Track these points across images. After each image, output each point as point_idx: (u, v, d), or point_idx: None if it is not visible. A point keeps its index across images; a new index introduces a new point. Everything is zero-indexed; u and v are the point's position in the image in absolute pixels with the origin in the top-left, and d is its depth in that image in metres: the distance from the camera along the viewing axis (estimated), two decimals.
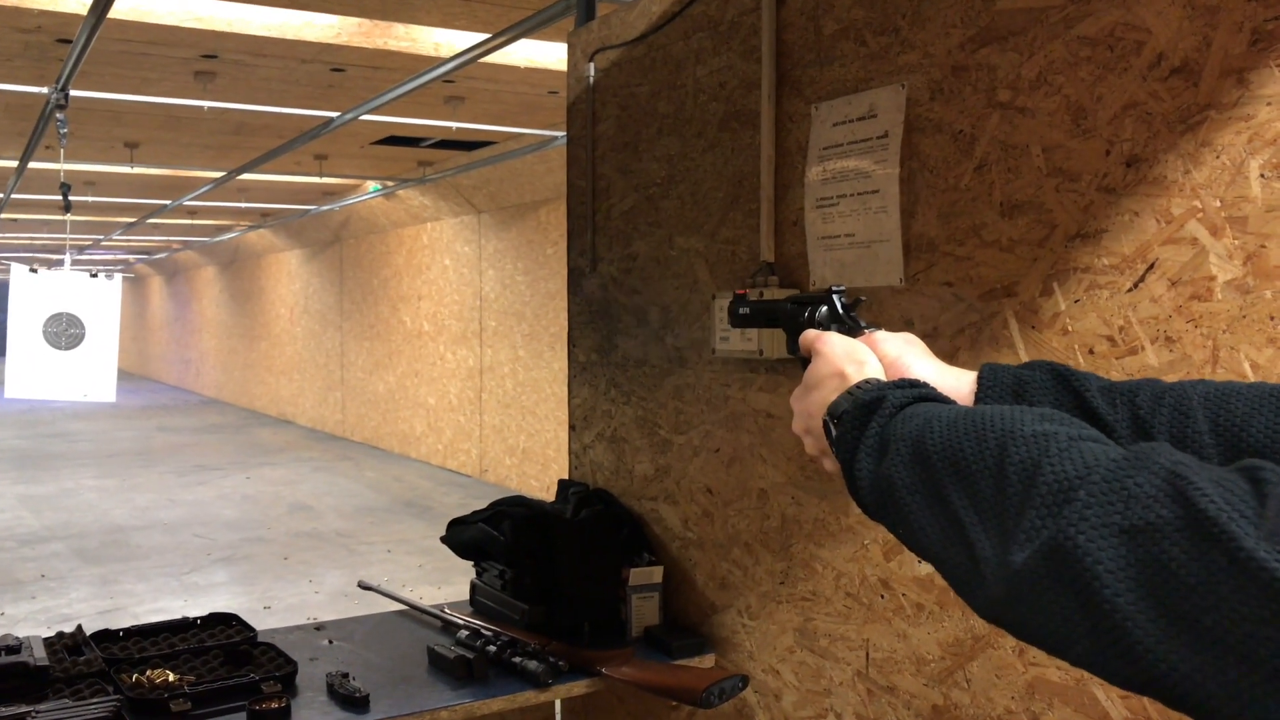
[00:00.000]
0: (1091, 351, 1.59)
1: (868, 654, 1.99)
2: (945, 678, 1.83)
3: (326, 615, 6.18)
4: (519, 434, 10.42)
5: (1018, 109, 1.68)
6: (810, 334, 1.07)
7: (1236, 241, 1.40)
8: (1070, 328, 1.62)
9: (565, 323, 9.36)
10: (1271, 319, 1.36)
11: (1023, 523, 0.68)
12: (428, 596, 6.47)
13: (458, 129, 7.99)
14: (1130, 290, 1.53)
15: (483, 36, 5.42)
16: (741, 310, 1.26)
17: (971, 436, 0.76)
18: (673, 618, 2.47)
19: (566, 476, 2.93)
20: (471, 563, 2.67)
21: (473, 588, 2.63)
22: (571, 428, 2.90)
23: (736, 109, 2.26)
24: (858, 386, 0.94)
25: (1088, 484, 0.65)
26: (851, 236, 1.96)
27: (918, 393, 0.88)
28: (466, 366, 11.50)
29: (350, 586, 6.83)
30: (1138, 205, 1.52)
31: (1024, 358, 1.69)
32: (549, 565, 2.45)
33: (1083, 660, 0.64)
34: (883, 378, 0.98)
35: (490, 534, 2.52)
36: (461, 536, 2.60)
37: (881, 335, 1.05)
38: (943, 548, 0.76)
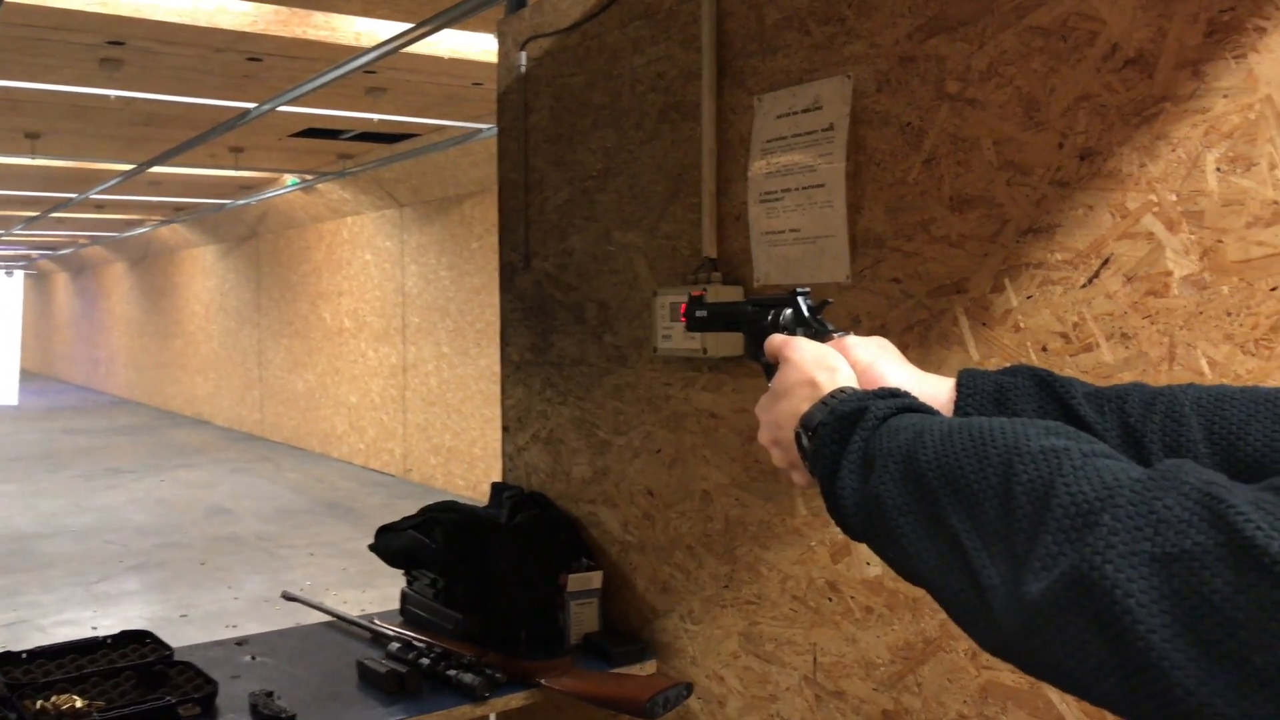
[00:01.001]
0: (1044, 349, 1.56)
1: (815, 658, 1.94)
2: (895, 682, 1.79)
3: (247, 622, 5.99)
4: (444, 433, 10.25)
5: (968, 101, 1.65)
6: (776, 339, 1.00)
7: (1193, 236, 1.38)
8: (1022, 325, 1.58)
9: (491, 319, 9.18)
10: (1229, 315, 1.34)
11: (1037, 549, 0.62)
12: (352, 601, 6.32)
13: (379, 121, 7.81)
14: (1084, 286, 1.50)
15: (406, 26, 5.28)
16: (699, 313, 1.19)
17: (970, 453, 0.70)
18: (612, 624, 2.41)
19: (500, 479, 2.84)
20: (401, 571, 2.56)
21: (403, 597, 2.53)
22: (505, 429, 2.81)
23: (676, 100, 2.20)
24: (832, 396, 0.88)
25: (1112, 507, 0.59)
26: (796, 232, 1.91)
27: (902, 403, 0.82)
28: (389, 364, 11.28)
29: (272, 592, 6.63)
30: (1092, 199, 1.49)
31: (974, 356, 1.65)
32: (483, 572, 2.36)
33: (1107, 700, 0.59)
34: (856, 385, 0.92)
35: (422, 541, 2.42)
36: (391, 544, 2.50)
37: (853, 340, 0.99)
38: (940, 574, 0.70)
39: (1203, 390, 0.87)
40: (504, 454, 2.82)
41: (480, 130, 8.09)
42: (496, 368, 9.65)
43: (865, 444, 0.79)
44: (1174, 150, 1.39)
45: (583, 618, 2.37)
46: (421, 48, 5.79)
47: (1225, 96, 1.34)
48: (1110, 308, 1.47)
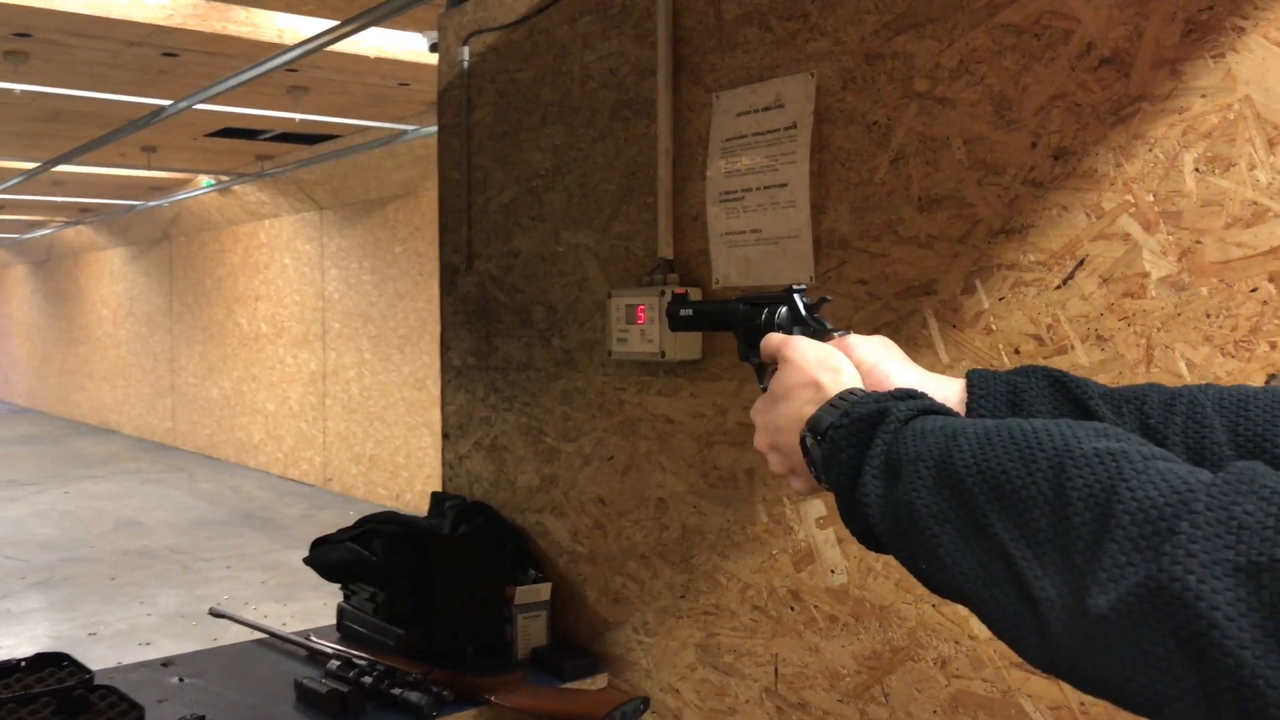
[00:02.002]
0: (1017, 351, 1.53)
1: (776, 669, 1.89)
2: (861, 692, 1.75)
3: (161, 639, 5.75)
4: (366, 441, 10.02)
5: (937, 99, 1.62)
6: (774, 338, 0.95)
7: (1171, 237, 1.36)
8: (994, 327, 1.56)
9: (415, 324, 9.02)
10: (1208, 316, 1.33)
11: (1102, 559, 0.57)
12: (274, 615, 6.11)
13: (301, 121, 7.60)
14: (1059, 288, 1.48)
15: (331, 23, 5.13)
16: (683, 312, 1.13)
17: (1015, 456, 0.65)
18: (561, 637, 2.33)
19: (438, 488, 2.74)
20: (337, 585, 2.45)
21: (340, 612, 2.42)
22: (445, 436, 2.72)
23: (630, 97, 2.14)
24: (841, 398, 0.83)
25: (1188, 514, 0.55)
26: (758, 232, 1.86)
27: (922, 404, 0.77)
28: (308, 370, 11.00)
29: (187, 608, 6.39)
30: (1066, 199, 1.47)
31: (944, 359, 1.63)
32: (426, 585, 2.27)
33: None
34: (861, 386, 0.87)
35: (360, 554, 2.31)
36: (328, 557, 2.39)
37: (855, 339, 0.94)
38: (983, 587, 0.65)
39: (1223, 390, 0.84)
40: (444, 462, 2.72)
41: (405, 132, 7.93)
42: (421, 374, 9.47)
43: (889, 448, 0.74)
44: (1151, 150, 1.38)
45: (531, 631, 2.29)
46: (347, 46, 5.64)
47: (1203, 96, 1.33)
48: (1086, 309, 1.45)
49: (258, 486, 11.12)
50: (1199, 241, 1.34)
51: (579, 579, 2.31)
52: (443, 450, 2.73)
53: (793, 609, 1.86)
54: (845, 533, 1.76)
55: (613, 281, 2.18)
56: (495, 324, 2.52)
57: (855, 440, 0.77)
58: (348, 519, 8.79)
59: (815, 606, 1.82)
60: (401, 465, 9.47)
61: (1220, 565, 0.53)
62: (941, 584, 0.69)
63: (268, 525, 9.06)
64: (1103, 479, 0.59)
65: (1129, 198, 1.40)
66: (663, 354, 1.95)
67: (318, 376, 10.83)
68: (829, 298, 1.00)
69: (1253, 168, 1.28)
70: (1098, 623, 0.56)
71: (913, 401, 0.78)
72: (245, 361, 12.32)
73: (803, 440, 0.84)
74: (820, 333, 0.97)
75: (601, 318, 2.20)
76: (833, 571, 1.79)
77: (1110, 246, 1.42)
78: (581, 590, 2.31)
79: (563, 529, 2.35)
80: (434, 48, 5.70)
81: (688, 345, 1.96)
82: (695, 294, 1.97)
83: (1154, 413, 0.83)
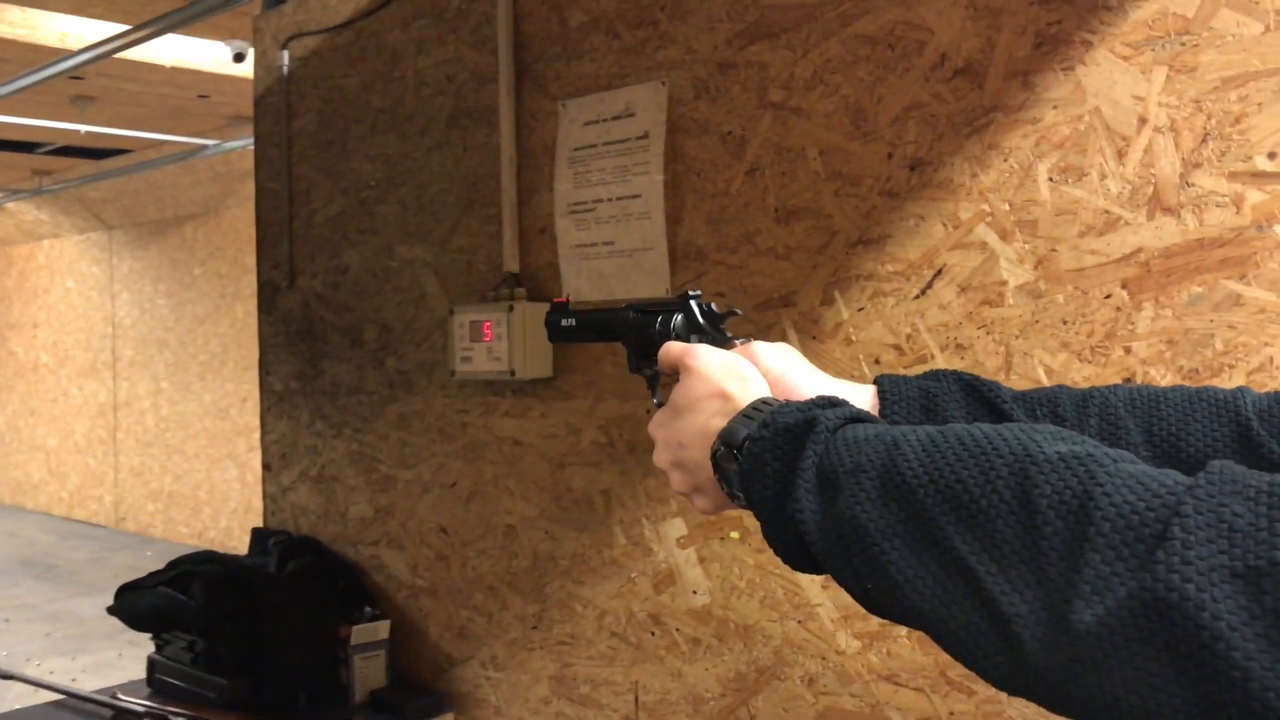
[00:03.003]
0: (877, 361, 1.53)
1: (637, 697, 1.83)
2: (727, 715, 1.71)
3: None
4: (163, 476, 9.37)
5: (792, 110, 1.60)
6: (675, 347, 0.89)
7: (1027, 245, 1.39)
8: (854, 337, 1.55)
9: (217, 350, 8.49)
10: (1065, 323, 1.36)
11: (1083, 571, 0.53)
12: (61, 671, 5.59)
13: (86, 133, 7.06)
14: (917, 297, 1.49)
15: (121, 28, 4.78)
16: (565, 322, 1.05)
17: (970, 464, 0.60)
18: (402, 677, 2.19)
19: (260, 524, 2.55)
20: (149, 634, 2.22)
21: (151, 664, 2.20)
22: (266, 467, 2.52)
23: (468, 105, 2.04)
24: (755, 409, 0.77)
25: (1180, 518, 0.51)
26: (611, 245, 1.80)
27: (849, 411, 0.72)
28: (97, 402, 10.21)
29: None
30: (923, 210, 1.48)
31: None
32: (252, 630, 2.08)
33: None
34: (771, 396, 0.82)
35: (175, 598, 2.11)
36: (137, 605, 2.16)
37: (760, 346, 0.89)
38: (940, 604, 0.60)
39: (1132, 391, 0.83)
40: (266, 495, 2.53)
41: (206, 147, 7.49)
42: (224, 403, 8.94)
43: (820, 459, 0.69)
44: (1006, 160, 1.40)
45: (368, 672, 2.14)
46: (140, 54, 5.27)
47: (1055, 108, 1.36)
48: (944, 318, 1.46)
49: (38, 530, 10.21)
50: (1054, 250, 1.36)
51: (420, 614, 2.18)
52: (264, 483, 2.53)
53: (653, 633, 1.80)
54: (708, 551, 1.71)
55: (454, 298, 2.07)
56: (321, 345, 2.36)
57: (781, 453, 0.71)
58: (144, 560, 8.17)
59: (677, 629, 1.77)
60: (204, 501, 8.90)
61: (1217, 572, 0.49)
62: (890, 604, 0.64)
63: (50, 571, 8.31)
64: (1073, 485, 0.55)
65: (985, 207, 1.42)
66: (512, 372, 1.86)
67: (108, 408, 10.06)
68: (738, 311, 0.94)
69: (1104, 177, 1.32)
70: (1084, 639, 0.52)
71: (839, 409, 0.73)
72: (22, 394, 11.33)
73: (714, 455, 0.78)
74: (720, 341, 0.91)
75: (442, 336, 2.09)
76: (695, 592, 1.74)
77: (968, 256, 1.44)
78: (423, 626, 2.17)
79: (401, 562, 2.21)
80: (239, 58, 5.41)
81: (538, 362, 1.87)
82: (540, 310, 1.89)
83: (1068, 415, 0.82)
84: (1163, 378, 1.29)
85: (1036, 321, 1.38)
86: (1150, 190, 1.28)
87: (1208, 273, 1.24)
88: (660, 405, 0.94)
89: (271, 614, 2.10)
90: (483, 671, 2.07)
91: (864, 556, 0.64)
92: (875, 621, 1.53)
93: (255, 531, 2.45)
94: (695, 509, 0.86)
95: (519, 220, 1.95)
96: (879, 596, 0.64)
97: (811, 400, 0.75)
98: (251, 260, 5.78)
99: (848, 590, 0.67)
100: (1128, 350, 1.31)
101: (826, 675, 1.59)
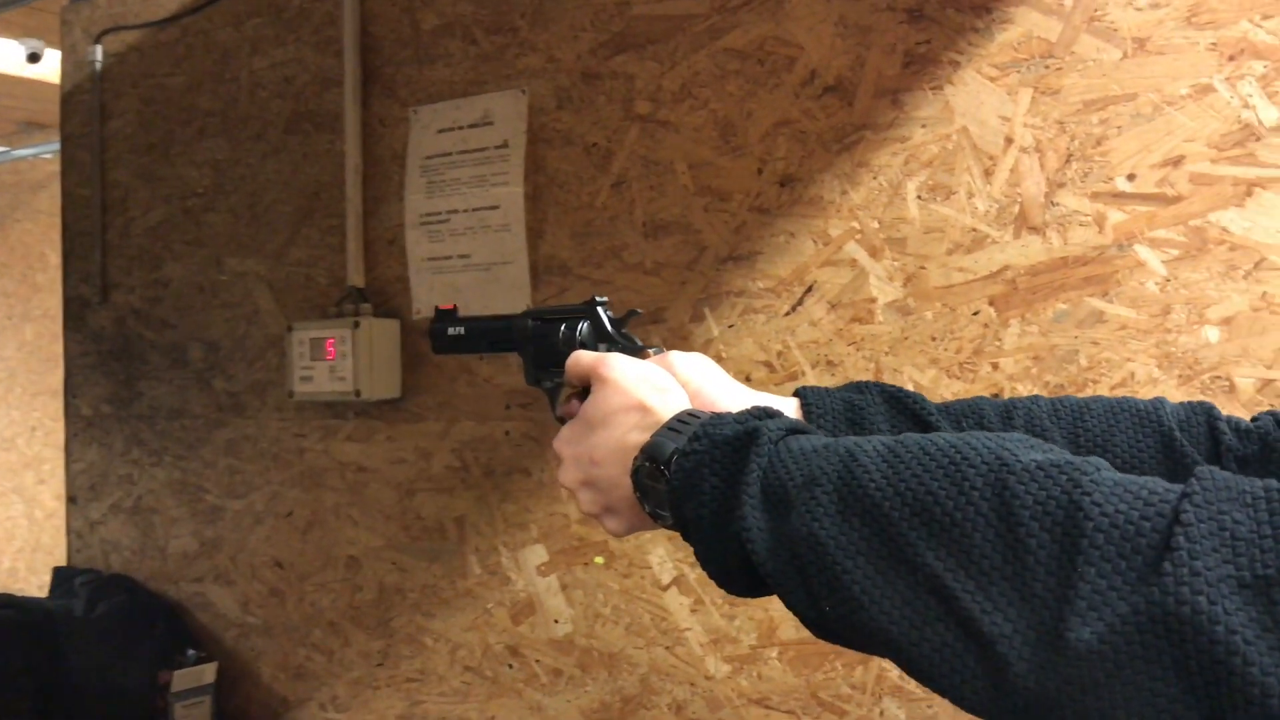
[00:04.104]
0: (749, 379, 1.51)
1: None
2: None
3: None
4: None
5: (660, 122, 1.57)
6: (584, 357, 0.82)
7: (896, 263, 1.39)
8: (724, 354, 1.52)
9: (2, 376, 7.84)
10: (933, 339, 1.37)
11: (1078, 586, 0.49)
12: None
13: None
14: (788, 314, 1.47)
15: None
16: (452, 331, 0.96)
17: (939, 474, 0.56)
18: None
19: (63, 563, 2.31)
20: None
21: None
22: (71, 500, 2.29)
23: (309, 109, 1.92)
24: (681, 421, 0.71)
25: (1182, 527, 0.48)
26: (467, 258, 1.72)
27: (789, 422, 0.68)
28: None
29: None
30: (794, 226, 1.47)
31: None
32: (57, 680, 1.87)
33: None
34: (692, 408, 0.76)
35: None
36: None
37: (677, 356, 0.83)
38: (910, 627, 0.55)
39: (1055, 401, 0.82)
40: (71, 531, 2.29)
41: None
42: (10, 432, 8.23)
43: (764, 473, 0.64)
44: (875, 178, 1.41)
45: None
46: None
47: (924, 126, 1.37)
48: (815, 335, 1.45)
49: None
50: (923, 267, 1.38)
51: (252, 654, 2.01)
52: (68, 517, 2.29)
53: (511, 666, 1.71)
54: (570, 578, 1.64)
55: (291, 314, 1.93)
56: (139, 365, 2.16)
57: (720, 467, 0.66)
58: None
59: (537, 661, 1.69)
60: None
61: (1225, 583, 0.46)
62: (851, 627, 0.59)
63: None
64: (1056, 494, 0.52)
65: (855, 224, 1.42)
66: (358, 393, 1.74)
67: None
68: (639, 311, 0.88)
69: (971, 196, 1.34)
70: (1082, 659, 0.48)
71: (778, 420, 0.68)
72: None
73: (635, 472, 0.72)
74: (632, 350, 0.85)
75: (277, 355, 1.95)
76: (556, 621, 1.66)
77: (838, 272, 1.43)
78: (255, 667, 2.01)
79: (230, 599, 2.04)
80: (34, 58, 4.99)
81: (386, 382, 1.76)
82: (390, 326, 1.78)
83: (993, 426, 0.80)
84: (1029, 393, 1.31)
85: (906, 338, 1.39)
86: (1016, 209, 1.31)
87: (1072, 290, 1.28)
88: (562, 421, 0.87)
89: (79, 662, 1.90)
90: (322, 713, 1.92)
91: (822, 577, 0.59)
92: (745, 644, 1.50)
93: (58, 571, 2.21)
94: (605, 531, 0.79)
95: (364, 231, 1.84)
96: (839, 620, 0.59)
97: (747, 411, 0.70)
98: (45, 278, 5.37)
99: (799, 614, 0.62)
100: (995, 366, 1.33)
101: (695, 702, 1.54)
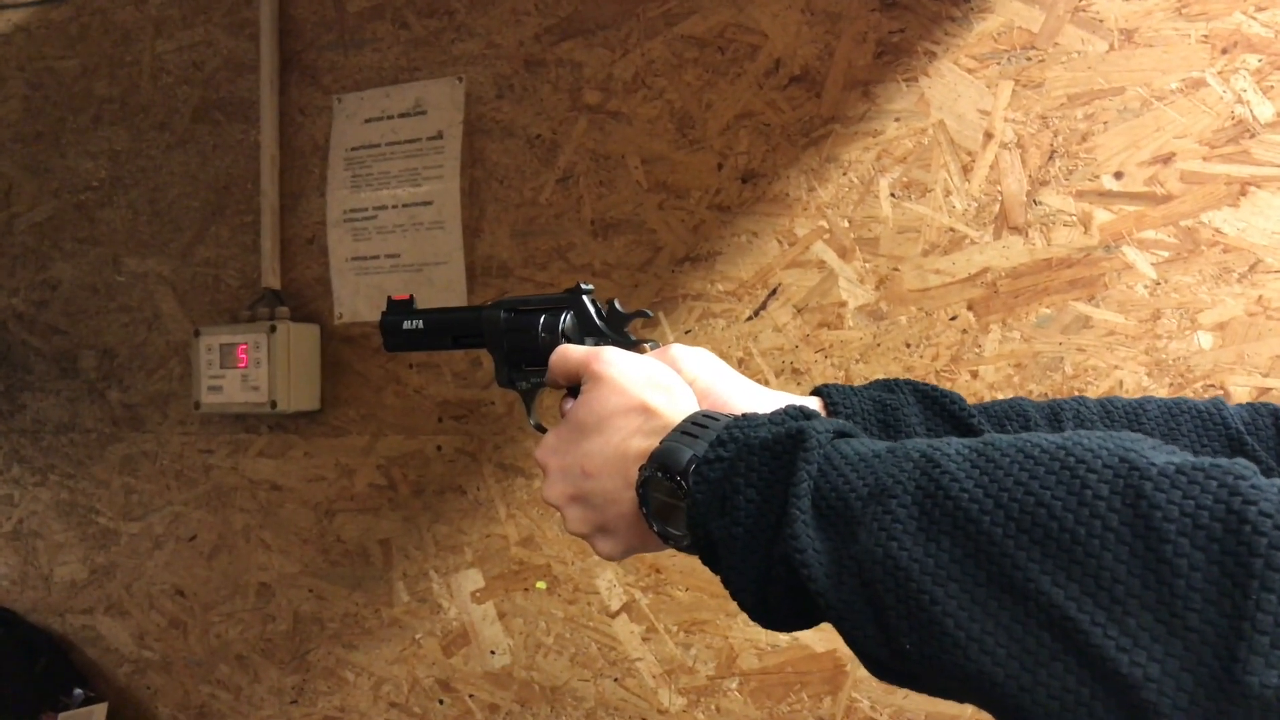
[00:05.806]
0: None
1: None
2: None
3: None
4: None
5: (610, 114, 1.47)
6: (573, 351, 0.71)
7: (868, 264, 1.31)
8: None
9: None
10: (908, 346, 1.29)
11: (1255, 617, 0.40)
12: None
13: None
14: (750, 319, 1.38)
15: None
16: (408, 325, 0.83)
17: (1050, 482, 0.46)
18: None
19: None
20: None
21: None
22: None
23: (220, 96, 1.76)
24: (696, 424, 0.60)
25: None
26: (396, 258, 1.58)
27: (835, 424, 0.57)
28: None
29: None
30: (756, 225, 1.37)
31: None
32: None
33: None
34: (702, 409, 0.65)
35: None
36: None
37: (681, 350, 0.72)
38: (1022, 668, 0.45)
39: (1102, 403, 0.73)
40: None
41: None
42: None
43: (816, 483, 0.53)
44: (845, 174, 1.32)
45: None
46: None
47: (897, 120, 1.29)
48: (779, 341, 1.36)
49: None
50: (896, 269, 1.29)
51: (148, 693, 1.82)
52: None
53: (442, 701, 1.57)
54: (509, 605, 1.52)
55: (198, 318, 1.76)
56: (21, 375, 1.96)
57: (759, 477, 0.55)
58: None
59: (471, 696, 1.55)
60: None
61: None
62: (937, 670, 0.48)
63: None
64: (1208, 504, 0.42)
65: (823, 223, 1.33)
66: (273, 404, 1.59)
67: None
68: (649, 312, 0.76)
69: (948, 193, 1.26)
70: (1271, 709, 0.39)
71: (821, 420, 0.57)
72: None
73: (641, 484, 0.60)
74: (625, 345, 0.74)
75: (181, 363, 1.78)
76: (493, 652, 1.53)
77: (805, 274, 1.34)
78: (151, 707, 1.82)
79: (124, 632, 1.85)
80: None
81: (304, 393, 1.61)
82: (310, 331, 1.63)
83: (1040, 427, 0.71)
84: None
85: (878, 344, 1.30)
86: (997, 208, 1.24)
87: (1056, 294, 1.21)
88: (540, 428, 0.76)
89: None
90: None
91: (902, 608, 0.48)
92: (703, 675, 1.39)
93: None
94: (596, 554, 0.68)
95: (281, 229, 1.69)
96: (924, 661, 0.48)
97: (782, 411, 0.59)
98: None
99: (864, 652, 0.51)
100: (974, 374, 1.25)
101: None
